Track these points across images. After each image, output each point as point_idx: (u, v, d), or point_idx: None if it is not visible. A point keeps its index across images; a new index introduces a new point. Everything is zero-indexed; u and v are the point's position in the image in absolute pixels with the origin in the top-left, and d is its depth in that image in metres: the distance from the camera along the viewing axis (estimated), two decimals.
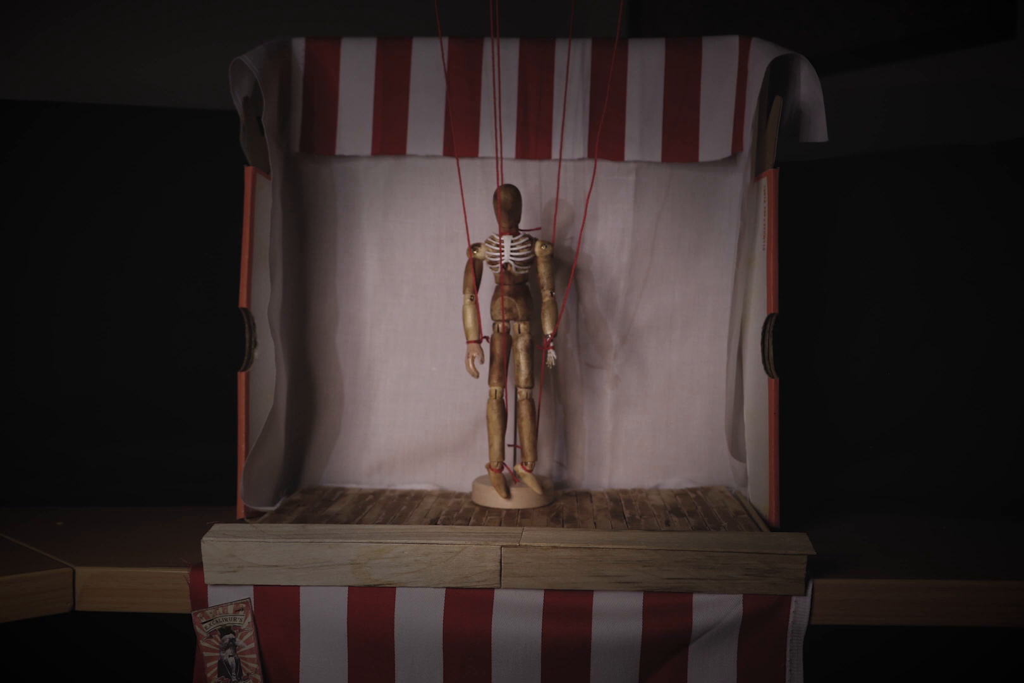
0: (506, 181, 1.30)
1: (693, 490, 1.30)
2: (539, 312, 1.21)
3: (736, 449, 1.27)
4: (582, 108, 1.27)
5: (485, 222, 1.30)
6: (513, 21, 1.29)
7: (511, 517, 1.16)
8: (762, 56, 1.19)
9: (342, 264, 1.33)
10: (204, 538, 1.01)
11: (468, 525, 1.12)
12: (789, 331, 1.21)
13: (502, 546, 1.00)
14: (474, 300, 1.20)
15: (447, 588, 1.01)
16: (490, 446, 1.22)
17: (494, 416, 1.22)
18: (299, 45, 1.27)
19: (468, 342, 1.20)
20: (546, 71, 1.27)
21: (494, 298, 1.22)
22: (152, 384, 1.31)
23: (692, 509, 1.20)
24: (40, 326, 1.30)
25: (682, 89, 1.26)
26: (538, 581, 1.00)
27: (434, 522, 1.14)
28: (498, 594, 1.01)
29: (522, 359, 1.22)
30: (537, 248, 1.21)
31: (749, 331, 1.24)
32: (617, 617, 1.00)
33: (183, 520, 1.19)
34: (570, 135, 1.27)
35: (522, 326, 1.22)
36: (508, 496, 1.20)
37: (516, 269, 1.20)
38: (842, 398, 1.32)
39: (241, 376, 1.17)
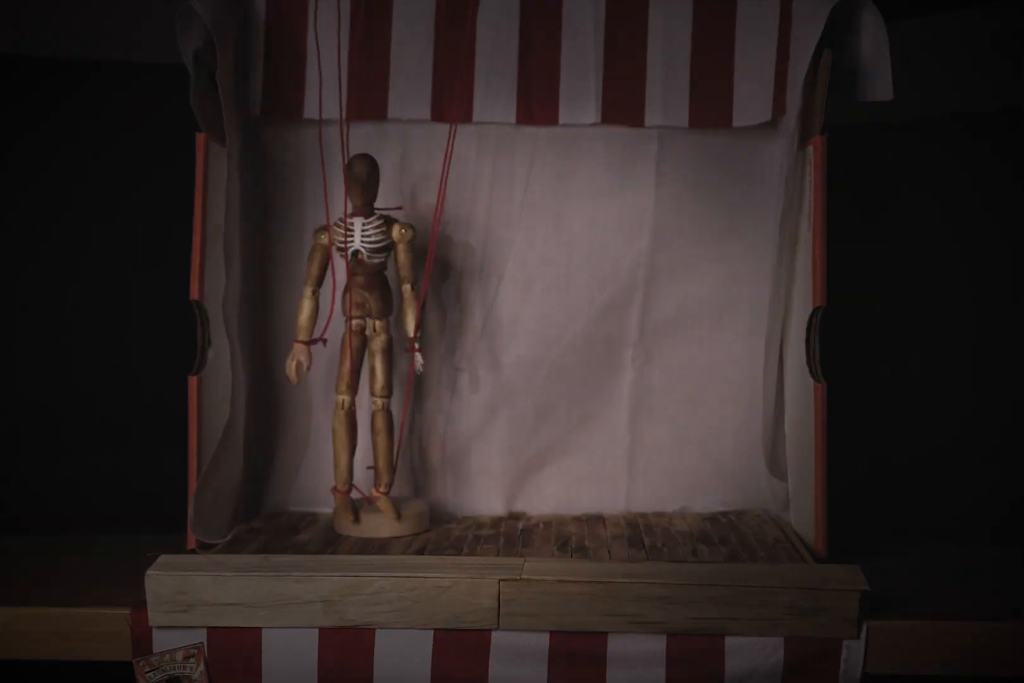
0: (500, 151, 1.30)
1: (725, 514, 1.30)
2: (399, 310, 1.22)
3: (776, 466, 1.27)
4: (595, 65, 1.27)
5: (478, 199, 1.30)
6: None
7: (511, 545, 1.16)
8: (812, 1, 1.18)
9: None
10: (148, 572, 1.01)
11: (460, 555, 1.12)
12: (839, 327, 1.21)
13: (500, 580, 1.00)
14: (315, 294, 1.21)
15: (436, 630, 1.01)
16: (336, 465, 1.23)
17: (341, 430, 1.22)
18: None
19: (297, 341, 1.20)
20: (552, 21, 1.27)
21: (344, 292, 1.22)
22: (90, 389, 1.31)
23: (724, 536, 1.20)
24: None
25: (713, 42, 1.26)
26: (543, 621, 1.00)
27: (420, 552, 1.14)
28: (496, 636, 1.01)
29: (378, 363, 1.22)
30: (395, 232, 1.21)
31: (792, 327, 1.24)
32: (636, 664, 1.00)
33: (124, 550, 1.18)
34: (581, 96, 1.27)
35: (378, 324, 1.22)
36: (356, 520, 1.20)
37: (368, 257, 1.20)
38: (900, 406, 1.33)
39: (192, 381, 1.17)
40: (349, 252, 1.20)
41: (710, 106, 1.26)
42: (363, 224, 1.20)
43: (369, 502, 1.23)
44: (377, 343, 1.22)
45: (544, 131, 1.30)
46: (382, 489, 1.23)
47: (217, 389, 1.21)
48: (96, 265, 1.33)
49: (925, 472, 1.33)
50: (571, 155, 1.30)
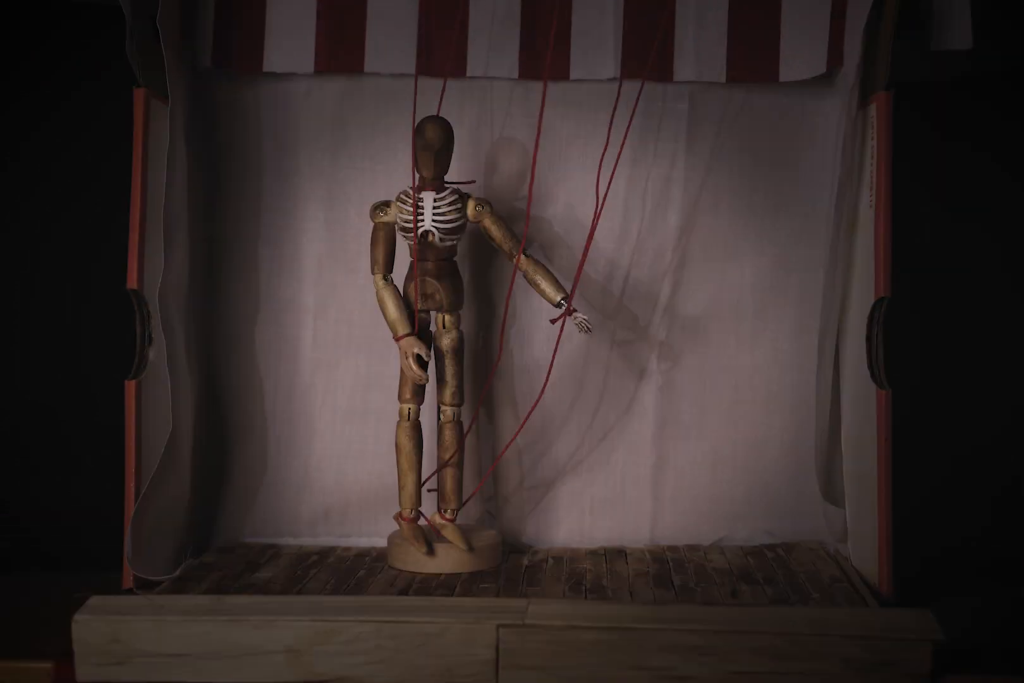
0: (503, 110, 1.30)
1: (771, 547, 1.30)
2: (531, 281, 1.22)
3: (831, 489, 1.27)
4: (614, 8, 1.27)
5: (476, 167, 1.30)
6: None
7: (512, 584, 1.16)
8: None
9: (271, 227, 1.33)
10: (76, 616, 1.01)
11: (453, 596, 1.12)
12: (907, 323, 1.21)
13: (500, 625, 1.00)
14: (390, 281, 1.21)
15: None
16: (401, 487, 1.23)
17: (408, 444, 1.22)
18: None
19: (399, 338, 1.20)
20: None
21: (407, 280, 1.22)
22: (16, 396, 1.31)
23: (769, 574, 1.19)
24: None
25: None
26: (551, 675, 0.99)
27: (404, 592, 1.13)
28: None
29: (449, 365, 1.22)
30: (470, 209, 1.21)
31: (850, 323, 1.23)
32: None
33: (52, 589, 1.18)
34: (596, 46, 1.27)
35: (448, 319, 1.22)
36: (430, 551, 1.20)
37: (441, 239, 1.20)
38: (981, 418, 1.32)
39: (129, 386, 1.17)
40: (417, 233, 1.20)
41: (752, 57, 1.26)
42: (435, 200, 1.20)
43: (437, 533, 1.24)
44: (447, 341, 1.22)
45: (550, 87, 1.29)
46: (448, 515, 1.24)
47: (160, 396, 1.20)
48: (46, 254, 1.34)
49: (1006, 496, 1.33)
50: (583, 116, 1.30)
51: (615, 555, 1.28)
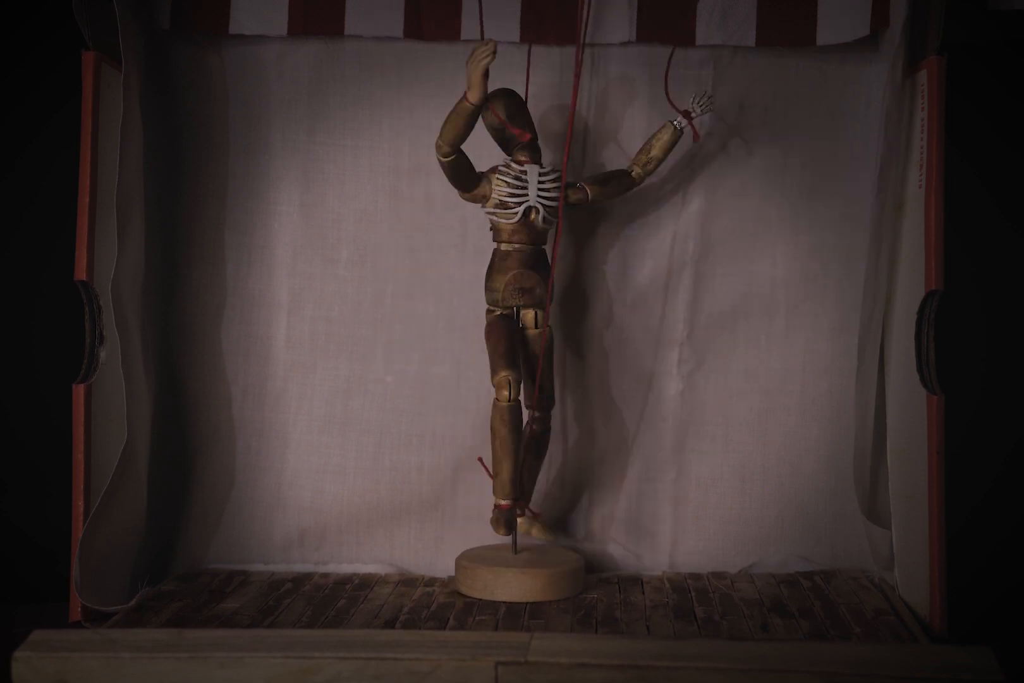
0: (508, 78, 1.29)
1: (807, 575, 1.29)
2: (649, 145, 1.23)
3: (875, 509, 1.27)
4: None
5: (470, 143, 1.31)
6: None
7: (513, 616, 1.16)
8: None
9: (239, 211, 1.33)
10: (17, 653, 1.00)
11: (445, 629, 1.12)
12: (961, 320, 1.20)
13: (498, 663, 0.99)
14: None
15: None
16: (496, 473, 1.23)
17: (505, 429, 1.21)
18: None
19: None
20: None
21: (496, 271, 1.22)
22: None
23: (805, 606, 1.19)
24: None
25: None
26: None
27: (391, 624, 1.13)
28: None
29: (546, 367, 1.23)
30: (571, 195, 1.23)
31: (897, 320, 1.23)
32: None
33: None
34: (609, 5, 1.27)
35: (541, 315, 1.23)
36: (509, 532, 1.23)
37: (544, 219, 1.21)
38: None
39: (78, 390, 1.17)
40: (520, 209, 1.20)
41: (786, 17, 1.26)
42: (540, 174, 1.20)
43: (535, 516, 1.28)
44: (544, 342, 1.22)
45: (553, 51, 1.30)
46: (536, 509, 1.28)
47: (113, 402, 1.20)
48: None
49: None
50: (594, 83, 1.31)
51: (629, 583, 1.28)
